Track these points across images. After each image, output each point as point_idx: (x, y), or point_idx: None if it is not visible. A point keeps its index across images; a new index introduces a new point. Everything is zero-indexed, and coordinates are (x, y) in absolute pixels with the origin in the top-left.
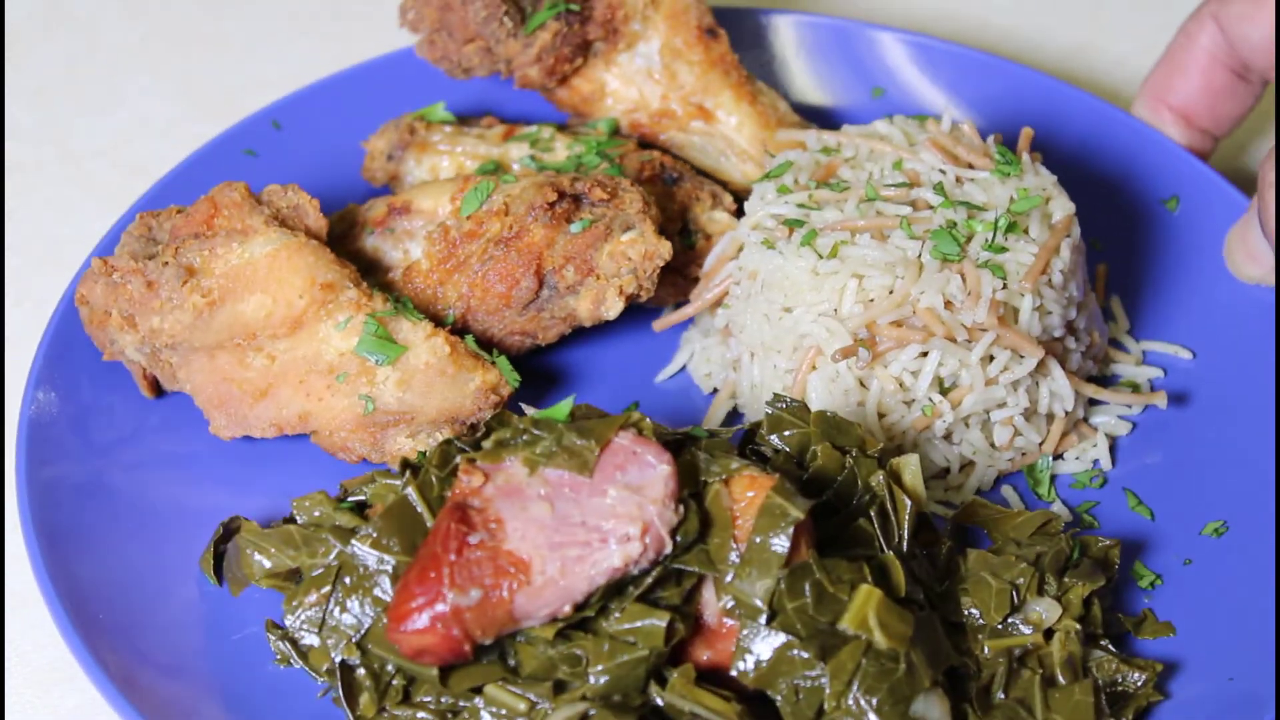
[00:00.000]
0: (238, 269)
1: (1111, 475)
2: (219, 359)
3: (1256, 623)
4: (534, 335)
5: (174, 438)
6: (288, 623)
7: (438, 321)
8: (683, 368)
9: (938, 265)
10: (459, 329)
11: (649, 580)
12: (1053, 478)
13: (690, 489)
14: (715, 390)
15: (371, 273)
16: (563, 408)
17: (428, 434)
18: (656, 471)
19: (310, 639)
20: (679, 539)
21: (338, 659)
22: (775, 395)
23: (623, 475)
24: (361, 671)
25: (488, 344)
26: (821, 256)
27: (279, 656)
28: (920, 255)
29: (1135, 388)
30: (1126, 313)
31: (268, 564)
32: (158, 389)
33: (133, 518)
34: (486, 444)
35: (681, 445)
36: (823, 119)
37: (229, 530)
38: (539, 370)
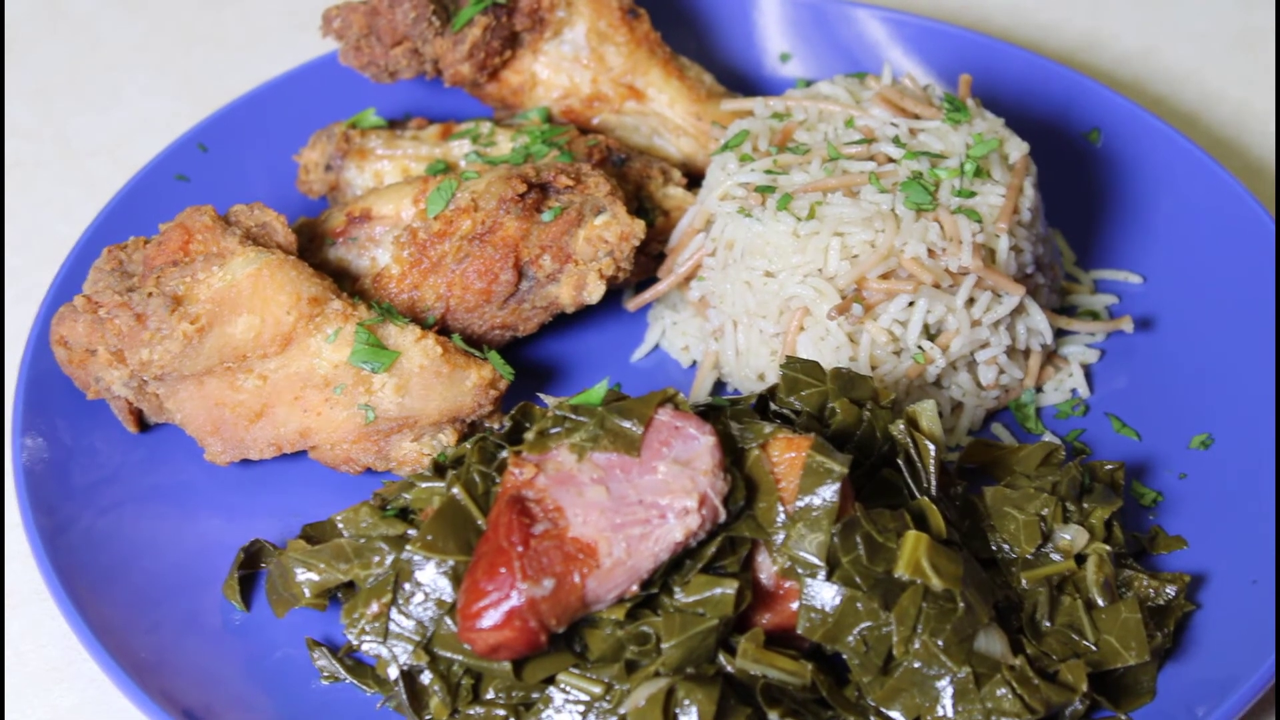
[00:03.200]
0: (222, 292)
1: (1091, 402)
2: (208, 385)
3: (1265, 524)
4: (514, 328)
5: (166, 470)
6: (349, 636)
7: (418, 324)
8: (655, 345)
9: (913, 215)
10: (440, 330)
11: (711, 551)
12: (1038, 410)
13: (729, 457)
14: (694, 363)
15: (339, 284)
16: (596, 392)
17: (431, 436)
18: (701, 443)
19: (376, 649)
20: (730, 507)
21: (406, 665)
22: (788, 358)
23: (669, 450)
24: (427, 676)
25: (470, 341)
26: (800, 219)
27: (325, 674)
28: (894, 208)
29: (1095, 316)
30: (1070, 245)
31: (317, 579)
32: (141, 424)
33: (145, 556)
34: (528, 436)
35: (707, 417)
36: (739, 89)
37: (251, 555)
38: (513, 363)
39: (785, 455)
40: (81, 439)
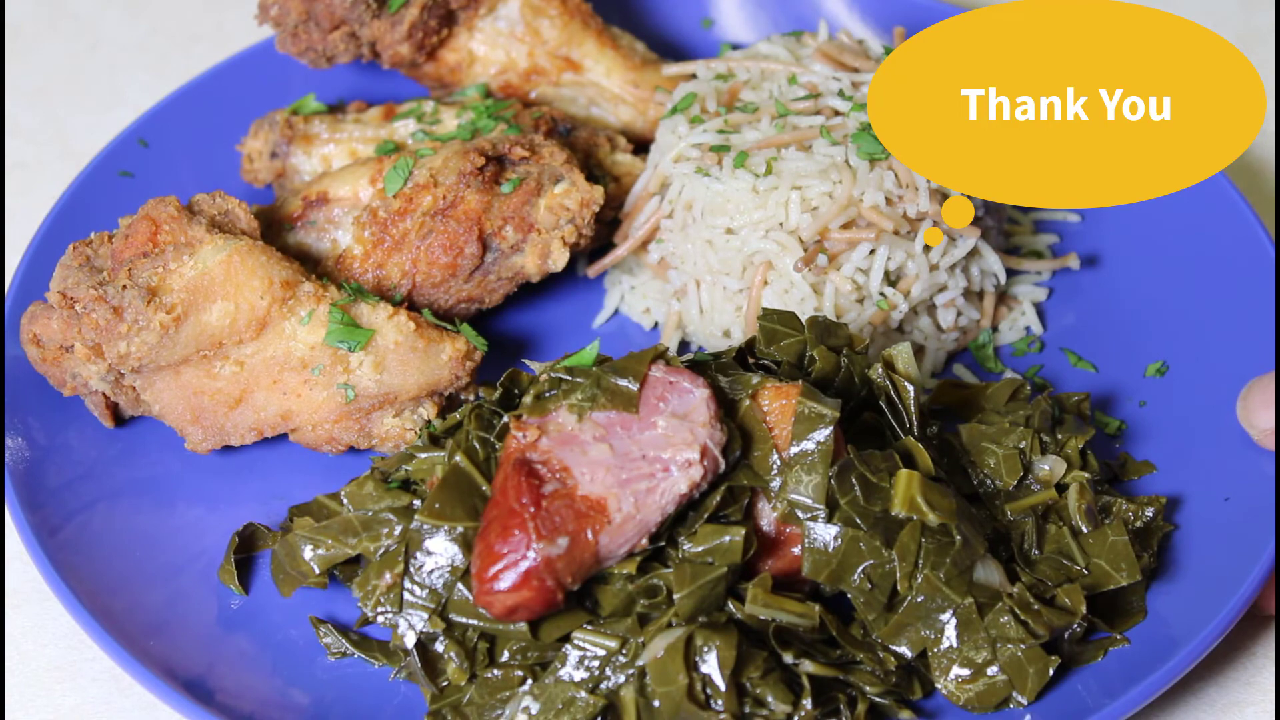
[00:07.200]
0: (196, 280)
1: (1045, 339)
2: (185, 375)
3: (1228, 443)
4: (480, 300)
5: (145, 463)
6: (364, 608)
7: (386, 302)
8: (615, 310)
9: (867, 165)
10: (408, 307)
11: (715, 501)
12: (996, 349)
13: (722, 409)
14: (657, 325)
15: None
16: (588, 354)
17: (411, 410)
18: (696, 396)
19: (392, 619)
20: (727, 458)
21: (421, 633)
22: (765, 310)
23: (666, 405)
24: (441, 644)
25: (438, 316)
26: (758, 175)
27: (332, 651)
28: (847, 159)
29: (1040, 255)
30: None
31: (325, 555)
32: (117, 418)
33: (138, 549)
34: (526, 400)
35: (695, 371)
36: (668, 56)
37: (245, 539)
38: (479, 335)
39: (775, 404)
40: (56, 437)
